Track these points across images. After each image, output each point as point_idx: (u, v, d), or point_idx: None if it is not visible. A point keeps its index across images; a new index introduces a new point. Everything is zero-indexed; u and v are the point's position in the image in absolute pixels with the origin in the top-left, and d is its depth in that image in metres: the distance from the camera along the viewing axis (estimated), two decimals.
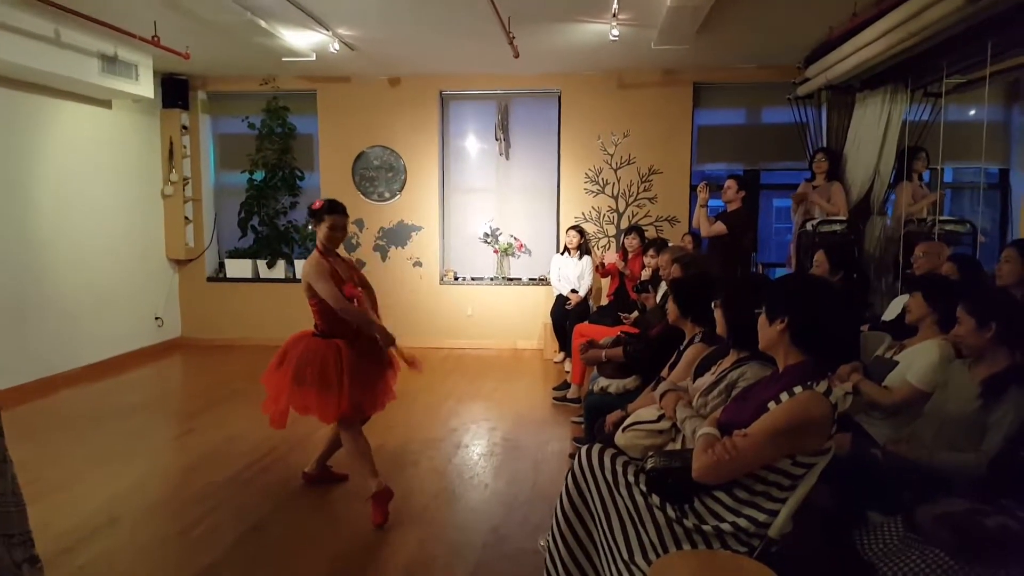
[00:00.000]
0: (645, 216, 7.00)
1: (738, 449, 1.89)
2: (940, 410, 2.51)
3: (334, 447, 3.69)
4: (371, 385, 3.44)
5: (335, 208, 3.41)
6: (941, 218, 5.51)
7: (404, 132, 7.20)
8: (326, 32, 5.37)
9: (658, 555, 1.95)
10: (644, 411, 2.77)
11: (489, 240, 7.30)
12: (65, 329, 5.92)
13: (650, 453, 2.21)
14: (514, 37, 5.15)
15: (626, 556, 2.00)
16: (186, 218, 7.35)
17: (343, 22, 5.25)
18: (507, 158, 7.27)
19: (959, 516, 1.96)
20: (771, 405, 1.92)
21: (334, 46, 5.61)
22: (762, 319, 2.06)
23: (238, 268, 7.54)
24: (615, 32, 5.15)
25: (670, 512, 1.99)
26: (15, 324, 5.43)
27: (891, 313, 4.18)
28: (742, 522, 1.93)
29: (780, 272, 6.92)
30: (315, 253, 3.39)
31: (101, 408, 5.22)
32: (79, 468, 3.96)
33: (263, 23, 5.03)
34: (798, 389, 1.90)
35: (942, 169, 5.96)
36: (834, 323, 2.01)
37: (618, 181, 7.01)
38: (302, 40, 5.63)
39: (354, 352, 3.36)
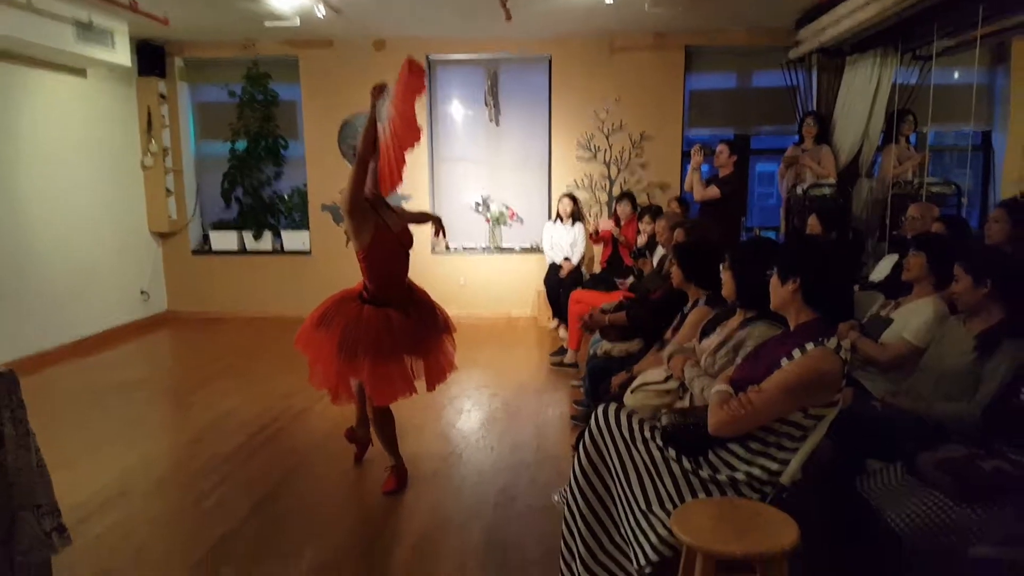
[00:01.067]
0: (637, 182, 7.02)
1: (753, 404, 1.96)
2: (937, 364, 2.61)
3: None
4: (432, 358, 3.24)
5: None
6: (928, 180, 5.61)
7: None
8: None
9: (675, 505, 2.02)
10: (651, 373, 2.84)
11: (480, 209, 7.28)
12: (49, 306, 5.84)
13: (663, 411, 2.27)
14: None
15: (644, 507, 2.07)
16: (167, 190, 7.22)
17: None
18: (497, 125, 7.22)
19: (958, 461, 2.06)
20: (784, 362, 1.99)
21: (319, 9, 5.49)
22: (774, 280, 2.12)
23: (223, 240, 7.46)
24: None
25: (686, 464, 2.07)
26: None
27: (879, 273, 4.29)
28: (755, 471, 2.01)
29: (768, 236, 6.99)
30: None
31: (93, 385, 5.19)
32: (80, 445, 3.96)
33: None
34: (810, 346, 1.97)
35: (928, 132, 6.04)
36: (843, 282, 2.08)
37: (610, 147, 7.00)
38: (286, 3, 5.50)
39: (409, 322, 3.13)
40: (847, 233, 4.59)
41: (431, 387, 3.32)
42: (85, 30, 5.43)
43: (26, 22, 4.91)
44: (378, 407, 3.21)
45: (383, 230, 3.08)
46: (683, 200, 6.44)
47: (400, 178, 3.22)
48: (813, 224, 4.45)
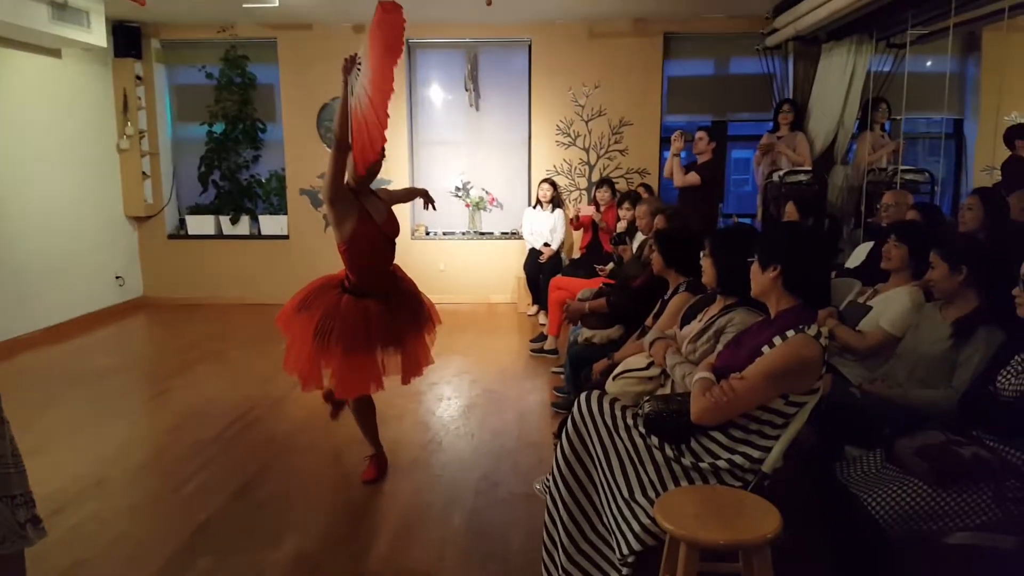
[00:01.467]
0: (616, 168, 7.03)
1: (735, 391, 1.97)
2: (913, 350, 2.65)
3: None
4: (408, 351, 3.18)
5: None
6: (902, 167, 5.68)
7: None
8: None
9: (657, 493, 2.04)
10: (633, 359, 2.85)
11: (460, 194, 7.25)
12: (22, 290, 5.71)
13: (646, 398, 2.29)
14: None
15: (627, 494, 2.08)
16: (144, 173, 7.09)
17: None
18: (477, 109, 7.17)
19: (937, 448, 2.09)
20: (765, 349, 2.00)
21: None
22: (755, 267, 2.13)
23: (200, 224, 7.34)
24: None
25: (668, 452, 2.08)
26: None
27: (855, 260, 4.34)
28: (737, 459, 2.03)
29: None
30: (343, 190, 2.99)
31: (68, 370, 5.11)
32: (55, 431, 3.90)
33: None
34: (791, 333, 1.99)
35: (902, 119, 6.10)
36: (824, 269, 2.09)
37: (589, 133, 7.00)
38: None
39: (387, 315, 3.06)
40: (823, 220, 4.64)
41: (405, 380, 3.25)
42: (60, 10, 5.29)
43: None
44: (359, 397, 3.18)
45: (366, 220, 2.98)
46: (648, 186, 6.45)
47: (381, 141, 2.81)
48: (790, 211, 4.49)
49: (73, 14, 5.43)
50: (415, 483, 3.28)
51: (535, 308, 6.57)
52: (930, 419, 2.32)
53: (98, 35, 5.76)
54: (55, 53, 6.02)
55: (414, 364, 3.24)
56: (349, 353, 2.96)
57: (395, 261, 3.26)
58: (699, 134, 5.83)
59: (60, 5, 5.27)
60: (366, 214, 3.00)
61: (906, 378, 2.58)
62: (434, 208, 3.52)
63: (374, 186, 3.20)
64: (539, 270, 6.38)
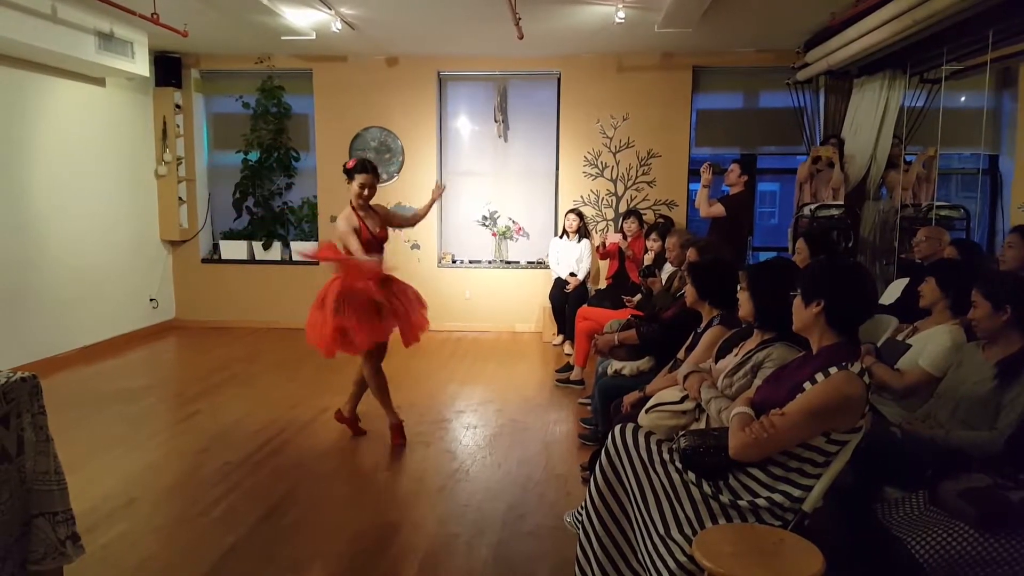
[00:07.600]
0: (644, 200, 7.04)
1: (775, 427, 1.94)
2: (955, 390, 2.59)
3: (362, 387, 4.15)
4: (404, 318, 3.91)
5: (364, 167, 3.88)
6: (936, 203, 5.61)
7: (401, 113, 7.15)
8: (328, 11, 5.30)
9: (694, 530, 2.00)
10: (666, 393, 2.82)
11: (487, 223, 7.30)
12: (59, 311, 5.85)
13: (681, 432, 2.26)
14: (520, 18, 5.12)
15: (662, 531, 2.05)
16: (180, 199, 7.26)
17: (346, 0, 5.18)
18: (505, 140, 7.25)
19: (984, 492, 2.03)
20: (807, 385, 1.97)
21: (336, 25, 5.55)
22: (797, 302, 2.11)
23: (233, 249, 7.47)
24: (620, 15, 5.16)
25: (706, 488, 2.05)
26: (8, 306, 5.35)
27: (889, 297, 4.27)
28: (777, 497, 1.99)
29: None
30: (348, 209, 3.88)
31: (100, 391, 5.19)
32: (87, 450, 3.94)
33: (265, 0, 4.95)
34: (833, 370, 1.96)
35: (936, 155, 6.04)
36: (867, 305, 2.06)
37: (617, 164, 7.04)
38: (303, 19, 5.55)
39: (383, 291, 3.81)
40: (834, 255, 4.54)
41: (407, 343, 4.04)
42: (106, 40, 5.49)
43: (50, 31, 4.98)
44: (368, 363, 3.94)
45: (363, 233, 3.86)
46: (668, 218, 6.46)
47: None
48: (800, 248, 4.37)
49: (119, 45, 5.64)
50: (441, 513, 3.25)
51: (560, 338, 6.55)
52: (974, 461, 2.25)
53: (141, 65, 5.96)
54: (99, 82, 6.24)
55: (413, 330, 3.98)
56: (365, 315, 3.71)
57: (422, 287, 4.15)
58: (732, 166, 5.82)
59: (107, 36, 5.48)
60: (365, 229, 3.87)
61: (948, 418, 2.52)
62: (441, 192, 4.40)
63: (399, 212, 3.98)
64: (565, 300, 6.38)
